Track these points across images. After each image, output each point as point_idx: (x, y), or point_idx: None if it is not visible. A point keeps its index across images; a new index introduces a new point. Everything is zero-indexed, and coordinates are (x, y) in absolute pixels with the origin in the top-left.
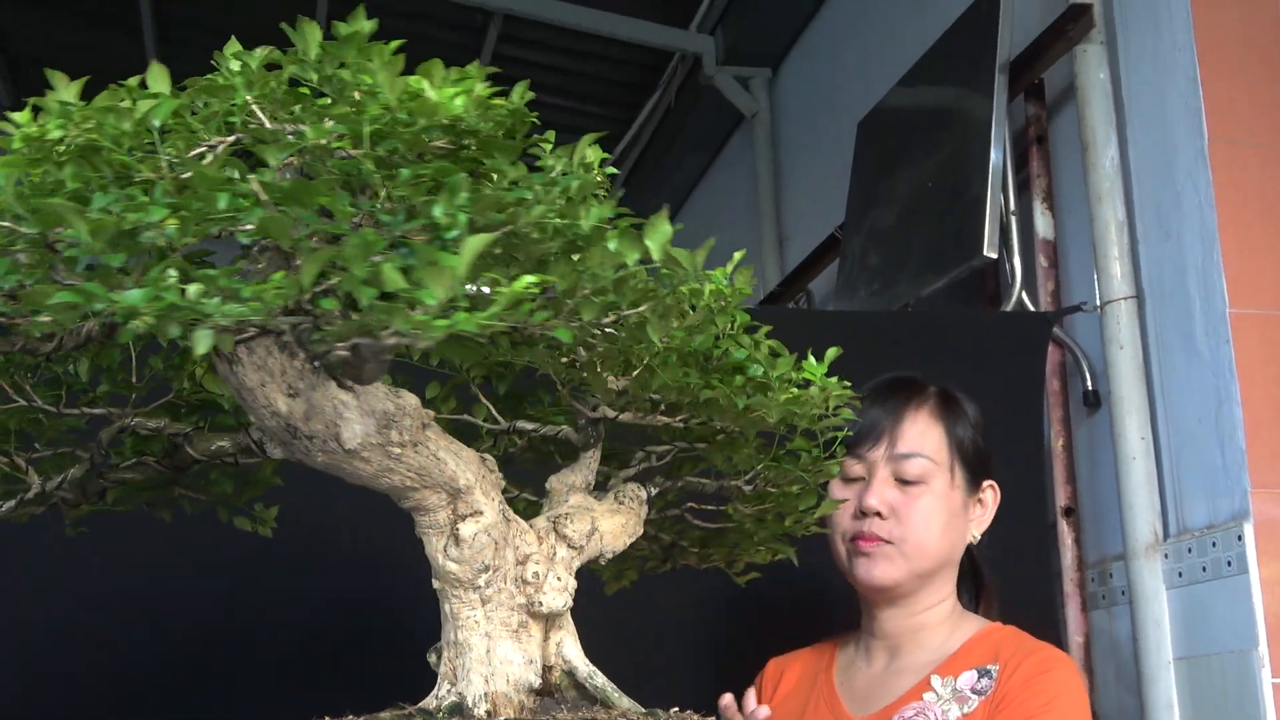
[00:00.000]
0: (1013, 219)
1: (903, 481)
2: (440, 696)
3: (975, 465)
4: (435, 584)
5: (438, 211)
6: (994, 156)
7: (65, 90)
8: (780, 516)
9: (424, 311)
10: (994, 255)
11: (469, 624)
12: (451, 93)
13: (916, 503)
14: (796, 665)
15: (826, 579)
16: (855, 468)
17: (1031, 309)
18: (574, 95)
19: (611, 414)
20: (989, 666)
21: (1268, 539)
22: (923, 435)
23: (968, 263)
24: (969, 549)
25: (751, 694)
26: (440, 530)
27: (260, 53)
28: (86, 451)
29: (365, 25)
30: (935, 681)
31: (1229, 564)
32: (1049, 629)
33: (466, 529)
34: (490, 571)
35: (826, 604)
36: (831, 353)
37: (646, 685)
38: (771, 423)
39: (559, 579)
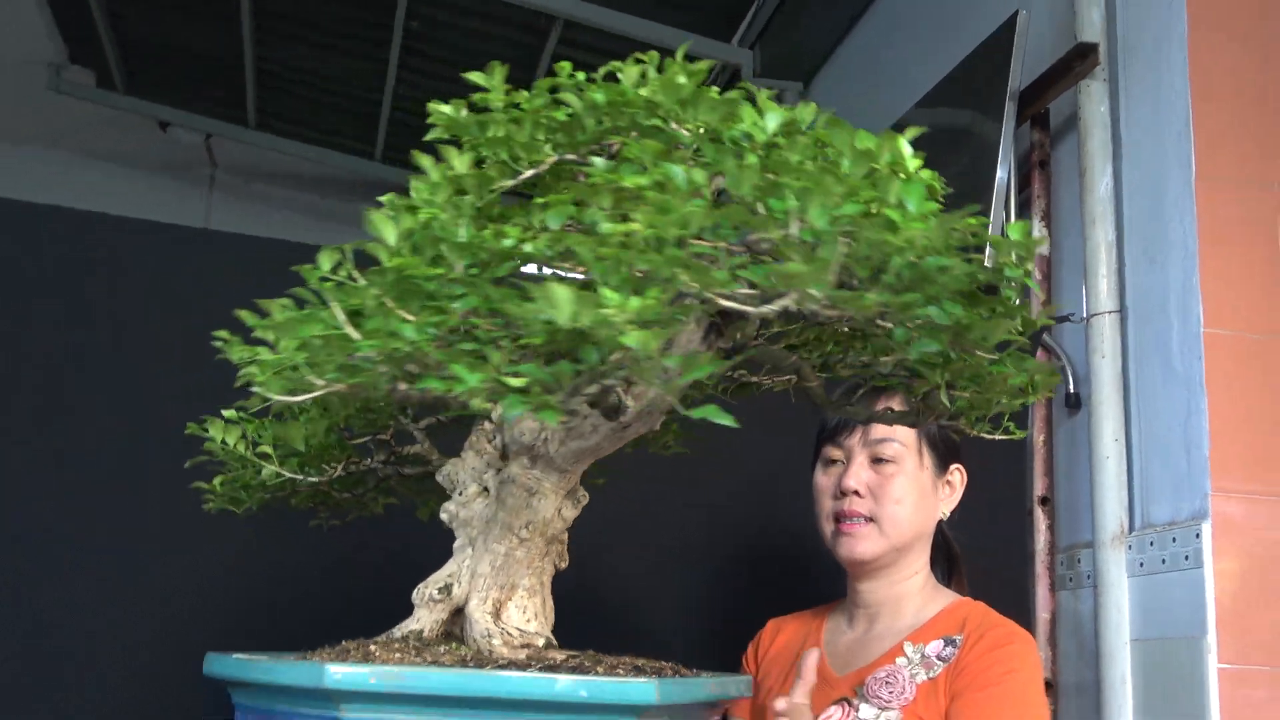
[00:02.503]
0: None
1: (877, 463)
2: (508, 626)
3: (943, 450)
4: (524, 534)
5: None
6: (999, 176)
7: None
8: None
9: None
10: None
11: (535, 572)
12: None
13: (891, 481)
14: (792, 625)
15: (815, 550)
16: (835, 454)
17: None
18: None
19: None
20: (955, 636)
21: (1223, 538)
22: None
23: None
24: (943, 530)
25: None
26: (569, 492)
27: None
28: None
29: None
30: (907, 647)
31: (1186, 558)
32: (1020, 605)
33: (583, 493)
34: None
35: (813, 573)
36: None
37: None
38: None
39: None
